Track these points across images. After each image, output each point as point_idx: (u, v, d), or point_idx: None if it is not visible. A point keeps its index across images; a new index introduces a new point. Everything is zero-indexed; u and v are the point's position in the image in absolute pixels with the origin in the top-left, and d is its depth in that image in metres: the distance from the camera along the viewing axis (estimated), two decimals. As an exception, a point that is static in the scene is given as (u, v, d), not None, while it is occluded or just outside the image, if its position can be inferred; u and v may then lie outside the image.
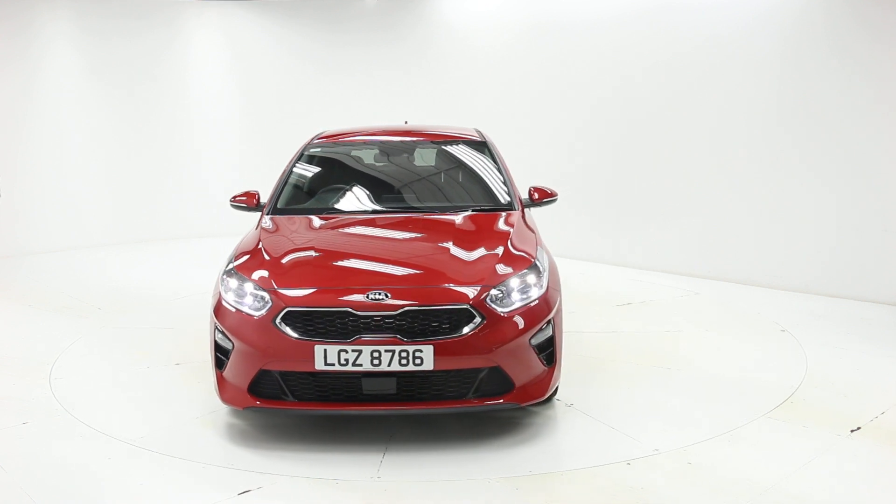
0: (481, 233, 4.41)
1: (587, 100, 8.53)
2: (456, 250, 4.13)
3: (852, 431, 4.03)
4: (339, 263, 4.15)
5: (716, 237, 7.73)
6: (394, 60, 10.33)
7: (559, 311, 4.08)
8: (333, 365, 3.65)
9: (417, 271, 4.04)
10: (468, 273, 3.92)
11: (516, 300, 3.87)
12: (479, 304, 3.76)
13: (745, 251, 7.53)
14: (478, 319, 3.74)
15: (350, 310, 3.68)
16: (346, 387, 3.74)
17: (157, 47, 10.22)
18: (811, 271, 7.10)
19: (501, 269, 3.97)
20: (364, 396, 3.74)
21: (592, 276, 7.79)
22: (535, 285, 3.95)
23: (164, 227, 10.24)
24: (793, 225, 7.19)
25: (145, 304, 6.73)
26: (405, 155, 5.52)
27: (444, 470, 3.64)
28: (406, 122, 6.44)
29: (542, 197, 4.99)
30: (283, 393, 3.79)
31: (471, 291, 3.79)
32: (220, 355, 3.95)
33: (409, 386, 3.72)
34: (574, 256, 8.50)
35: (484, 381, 3.77)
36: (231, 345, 3.85)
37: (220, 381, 3.95)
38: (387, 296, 3.71)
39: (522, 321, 3.81)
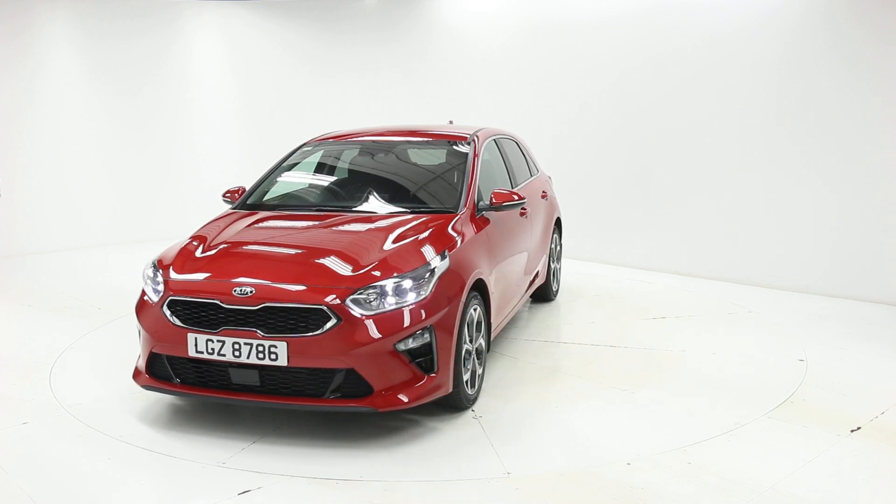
0: (390, 235, 4.29)
1: (587, 100, 8.53)
2: (348, 251, 4.12)
3: (852, 431, 4.03)
4: (233, 258, 4.26)
5: (715, 237, 7.73)
6: (393, 60, 10.33)
7: (450, 318, 3.99)
8: (203, 353, 3.89)
9: (296, 270, 4.03)
10: (340, 274, 3.92)
11: (389, 304, 3.85)
12: (336, 306, 3.77)
13: (745, 251, 7.53)
14: (333, 320, 3.75)
15: (218, 302, 3.89)
16: (219, 375, 3.95)
17: (157, 48, 10.23)
18: (811, 271, 7.10)
19: (377, 272, 3.92)
20: (234, 386, 3.93)
21: (655, 286, 7.37)
22: (411, 290, 3.91)
23: (164, 227, 10.23)
24: (793, 225, 7.19)
25: (145, 304, 6.72)
26: (381, 156, 5.59)
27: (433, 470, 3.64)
28: (451, 122, 6.57)
29: (500, 201, 4.86)
30: (170, 376, 4.08)
31: (331, 292, 3.81)
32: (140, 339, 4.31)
33: (272, 380, 3.86)
34: (607, 261, 8.50)
35: (343, 381, 3.79)
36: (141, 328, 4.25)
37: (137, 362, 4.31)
38: (252, 291, 3.85)
39: (386, 325, 3.79)
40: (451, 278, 4.11)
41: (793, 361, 5.16)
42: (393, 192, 5.15)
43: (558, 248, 6.90)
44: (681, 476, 3.54)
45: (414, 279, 3.95)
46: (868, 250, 6.76)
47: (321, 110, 10.61)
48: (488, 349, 4.68)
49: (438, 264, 4.08)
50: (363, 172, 5.49)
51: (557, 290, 6.92)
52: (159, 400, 4.50)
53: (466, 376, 4.23)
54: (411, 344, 3.85)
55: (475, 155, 5.19)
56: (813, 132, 6.97)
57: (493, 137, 5.81)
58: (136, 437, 4.01)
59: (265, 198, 5.25)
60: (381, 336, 3.77)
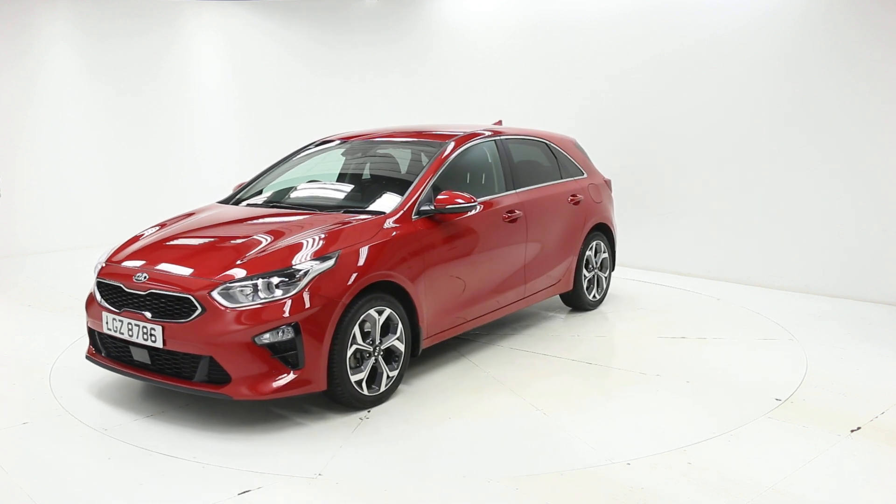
0: (295, 232, 4.43)
1: (587, 100, 8.53)
2: (243, 245, 4.34)
3: (852, 431, 4.03)
4: (153, 248, 4.60)
5: (715, 237, 7.74)
6: (394, 61, 10.33)
7: (323, 316, 4.04)
8: (111, 330, 4.33)
9: (189, 261, 4.32)
10: (216, 266, 4.16)
11: (259, 298, 4.00)
12: (202, 296, 4.02)
13: (745, 251, 7.53)
14: (199, 310, 4.00)
15: (121, 286, 4.33)
16: (126, 352, 4.35)
17: (157, 48, 10.23)
18: (811, 271, 7.11)
19: (249, 267, 4.10)
20: (137, 363, 4.31)
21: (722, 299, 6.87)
22: (279, 287, 4.03)
23: (164, 227, 10.25)
24: (793, 225, 7.19)
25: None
26: (359, 157, 5.76)
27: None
28: (500, 122, 6.50)
29: (444, 203, 4.78)
30: (100, 348, 4.56)
31: (199, 283, 4.07)
32: None
33: (159, 360, 4.20)
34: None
35: (210, 368, 4.02)
36: None
37: None
38: (145, 278, 4.24)
39: (245, 319, 3.95)
40: (336, 278, 4.16)
41: (792, 361, 5.16)
42: (346, 191, 5.36)
43: (602, 255, 6.53)
44: (681, 476, 3.54)
45: (283, 276, 4.07)
46: (868, 250, 6.76)
47: (321, 111, 10.61)
48: (415, 353, 4.67)
49: (315, 264, 4.14)
50: (334, 173, 5.69)
51: (600, 300, 6.59)
52: (159, 400, 4.50)
53: (359, 376, 4.26)
54: (272, 338, 3.97)
55: (440, 157, 5.14)
56: (813, 132, 6.97)
57: (497, 139, 5.68)
58: (137, 436, 4.02)
59: (250, 194, 5.55)
60: (238, 328, 3.94)
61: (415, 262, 4.63)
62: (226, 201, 5.53)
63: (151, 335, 4.11)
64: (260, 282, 4.03)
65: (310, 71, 10.77)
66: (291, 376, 4.01)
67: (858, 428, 4.07)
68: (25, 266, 8.66)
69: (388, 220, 4.62)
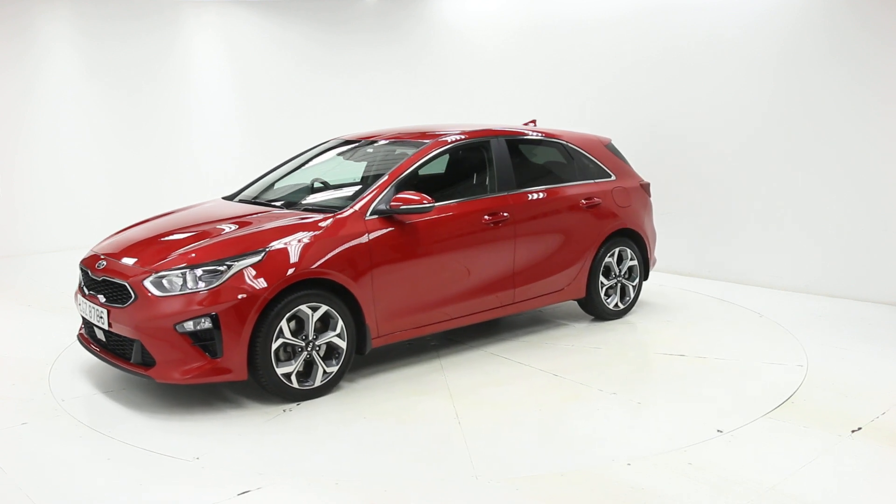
0: (243, 229, 4.64)
1: (587, 100, 8.53)
2: (189, 239, 4.57)
3: (852, 432, 4.03)
4: (125, 238, 4.91)
5: (715, 237, 7.73)
6: (394, 61, 10.33)
7: (243, 309, 4.20)
8: (82, 312, 4.75)
9: (140, 252, 4.59)
10: (155, 257, 4.43)
11: (187, 289, 4.23)
12: (135, 284, 4.31)
13: (745, 251, 7.53)
14: (133, 296, 4.30)
15: (88, 271, 4.71)
16: (93, 332, 4.71)
17: (157, 48, 10.23)
18: (811, 271, 7.10)
19: (182, 260, 4.33)
20: (100, 342, 4.65)
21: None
22: (202, 279, 4.25)
23: (164, 227, 10.24)
24: (793, 225, 7.19)
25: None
26: (349, 157, 5.85)
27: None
28: (534, 122, 6.41)
29: (399, 204, 4.75)
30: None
31: (136, 272, 4.38)
32: None
33: (112, 340, 4.52)
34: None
35: (142, 351, 4.30)
36: None
37: None
38: (104, 265, 4.60)
39: (168, 308, 4.20)
40: (261, 273, 4.29)
41: (792, 361, 5.16)
42: (322, 190, 5.50)
43: (629, 262, 6.18)
44: (681, 476, 3.54)
45: (207, 269, 4.28)
46: (868, 250, 6.75)
47: (321, 111, 10.62)
48: (362, 350, 4.70)
49: (239, 259, 4.30)
50: (320, 173, 5.76)
51: (624, 309, 6.21)
52: (159, 400, 4.51)
53: (287, 369, 4.36)
54: (193, 327, 4.19)
55: (412, 157, 5.12)
56: (813, 132, 6.96)
57: (496, 139, 5.53)
58: (136, 437, 4.02)
59: (245, 191, 5.73)
60: (161, 315, 4.19)
61: (361, 261, 4.63)
62: (229, 198, 5.69)
63: (101, 317, 4.46)
64: (188, 273, 4.26)
65: (310, 71, 10.77)
66: (210, 364, 4.22)
67: (859, 428, 4.07)
68: (25, 266, 8.65)
69: (333, 219, 4.67)
